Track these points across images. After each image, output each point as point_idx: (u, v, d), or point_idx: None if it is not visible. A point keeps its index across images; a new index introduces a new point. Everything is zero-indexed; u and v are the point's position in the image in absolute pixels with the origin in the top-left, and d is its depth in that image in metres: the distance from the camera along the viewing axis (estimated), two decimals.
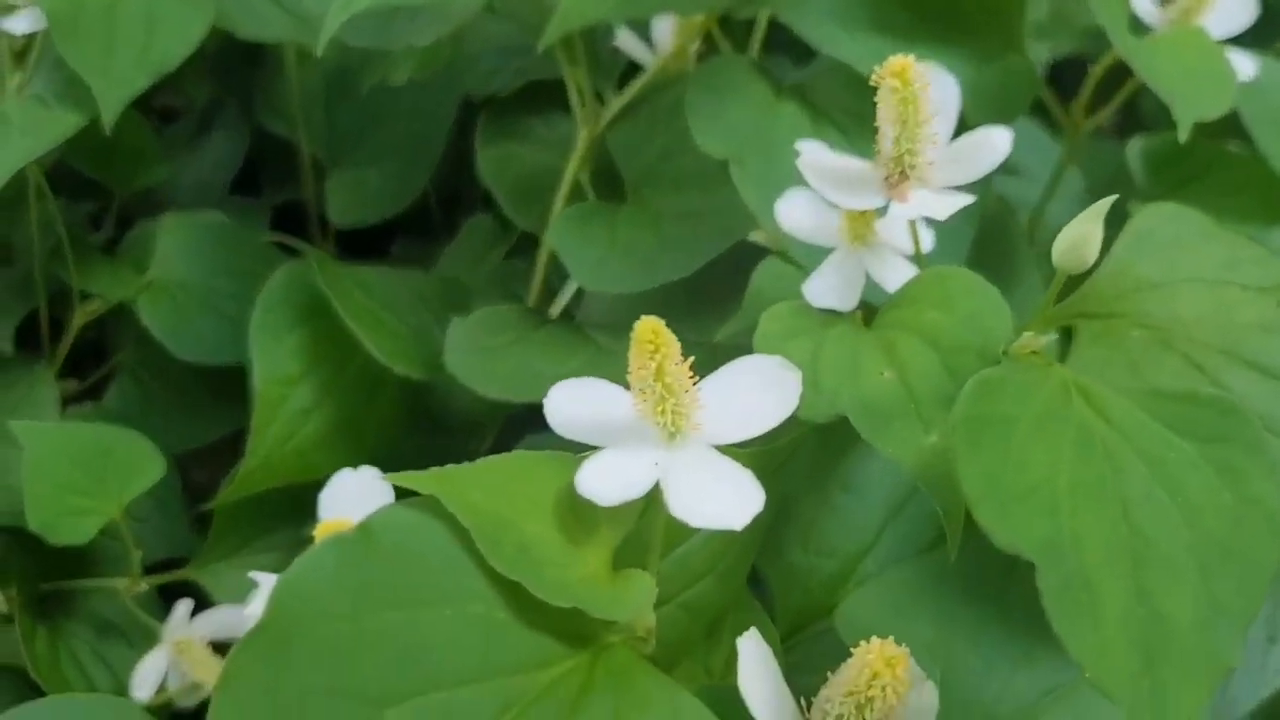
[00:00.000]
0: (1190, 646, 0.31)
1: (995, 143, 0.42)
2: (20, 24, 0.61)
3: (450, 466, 0.33)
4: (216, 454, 0.76)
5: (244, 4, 0.69)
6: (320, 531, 0.36)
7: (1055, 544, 0.31)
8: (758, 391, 0.35)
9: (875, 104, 0.47)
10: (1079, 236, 0.38)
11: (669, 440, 0.34)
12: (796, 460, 0.44)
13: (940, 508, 0.37)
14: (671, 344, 0.33)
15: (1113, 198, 0.39)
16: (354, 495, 0.39)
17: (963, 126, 0.46)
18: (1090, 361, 0.42)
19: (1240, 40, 0.61)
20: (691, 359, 0.34)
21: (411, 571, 0.31)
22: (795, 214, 0.46)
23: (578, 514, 0.34)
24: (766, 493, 0.35)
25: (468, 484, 0.33)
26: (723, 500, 0.32)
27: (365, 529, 0.31)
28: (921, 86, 0.40)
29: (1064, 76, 0.79)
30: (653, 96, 0.62)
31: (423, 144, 0.80)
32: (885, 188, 0.43)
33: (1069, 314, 0.44)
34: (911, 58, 0.40)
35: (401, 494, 0.40)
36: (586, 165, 0.62)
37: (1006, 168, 0.70)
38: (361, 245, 0.88)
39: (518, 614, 0.31)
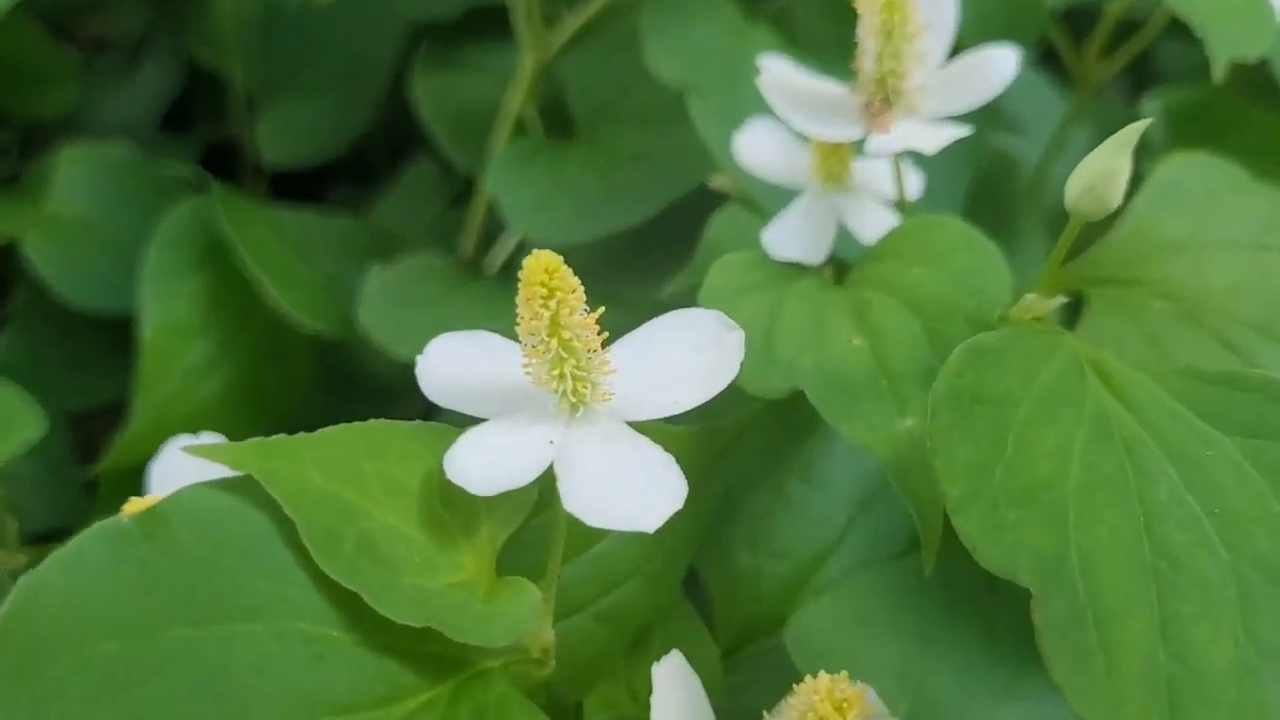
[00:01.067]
0: (1227, 699, 0.24)
1: (997, 64, 0.34)
2: None
3: (280, 436, 0.25)
4: (120, 413, 0.68)
5: None
6: (129, 512, 0.28)
7: (1059, 566, 0.24)
8: (688, 354, 0.28)
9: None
10: (1100, 172, 0.30)
11: (570, 413, 0.27)
12: (745, 442, 0.36)
13: (913, 508, 0.30)
14: (570, 287, 0.25)
15: (1144, 123, 0.31)
16: (195, 470, 0.31)
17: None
18: (1104, 335, 0.35)
19: None
20: (601, 310, 0.27)
21: (215, 574, 0.23)
22: (757, 147, 0.38)
23: (451, 503, 0.27)
24: (709, 481, 0.28)
25: (303, 459, 0.25)
26: (632, 494, 0.25)
27: (155, 516, 0.23)
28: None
29: (1072, 21, 0.72)
30: (610, 21, 0.54)
31: (362, 77, 0.72)
32: (865, 116, 0.35)
33: (1079, 278, 0.37)
34: None
35: None
36: (533, 98, 0.55)
37: (1006, 123, 0.62)
38: (296, 189, 0.80)
39: (358, 634, 0.24)
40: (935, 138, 0.33)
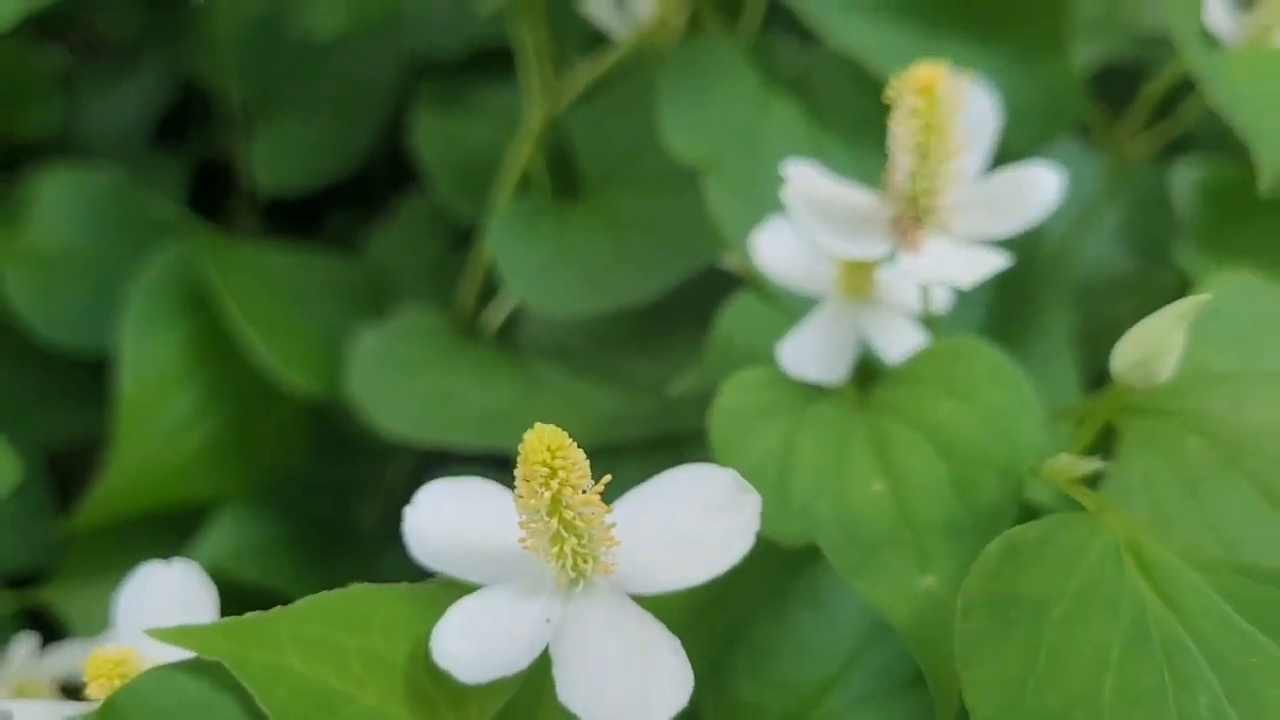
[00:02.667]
0: None
1: (1040, 186, 0.32)
2: None
3: (256, 615, 0.23)
4: (88, 446, 0.66)
5: None
6: (92, 666, 0.26)
7: None
8: (700, 518, 0.26)
9: (889, 109, 0.37)
10: (1154, 347, 0.28)
11: (568, 585, 0.25)
12: (748, 567, 0.34)
13: (930, 679, 0.28)
14: (574, 463, 0.23)
15: (1202, 298, 0.29)
16: (165, 597, 0.29)
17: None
18: (1136, 478, 0.33)
19: None
20: (606, 479, 0.24)
21: None
22: (777, 252, 0.36)
23: (438, 678, 0.24)
24: (711, 611, 0.26)
25: (281, 641, 0.23)
26: (634, 690, 0.23)
27: (112, 711, 0.21)
28: (952, 109, 0.30)
29: (1106, 87, 0.69)
30: (624, 77, 0.51)
31: (364, 101, 0.70)
32: (894, 231, 0.33)
33: (1110, 408, 0.35)
34: (942, 67, 0.30)
35: (236, 599, 0.30)
36: (539, 152, 0.52)
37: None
38: (291, 215, 0.78)
39: None
40: (972, 268, 0.31)
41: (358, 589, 0.25)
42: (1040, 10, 0.46)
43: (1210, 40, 0.49)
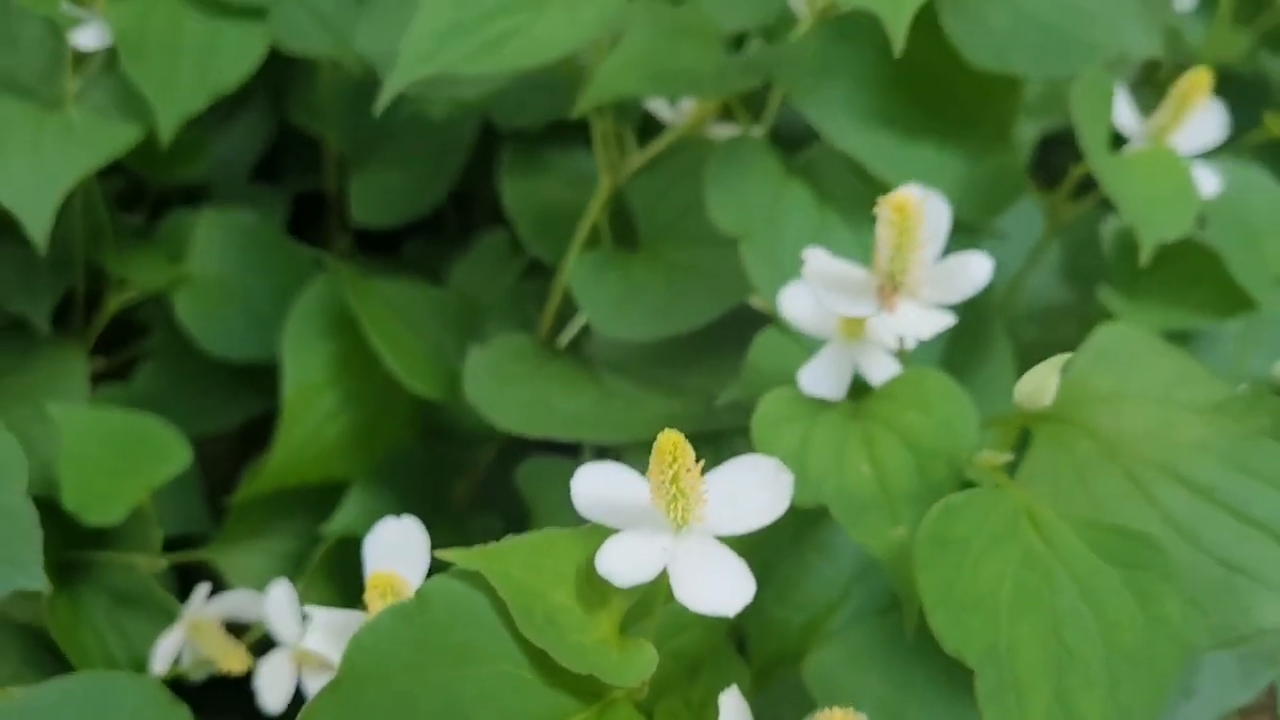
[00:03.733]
0: None
1: (975, 270, 0.48)
2: (89, 39, 0.65)
3: (491, 545, 0.39)
4: (228, 434, 0.81)
5: (290, 21, 0.73)
6: (372, 583, 0.41)
7: (994, 652, 0.37)
8: (755, 490, 0.41)
9: (873, 186, 0.54)
10: (1039, 385, 0.44)
11: (677, 529, 0.40)
12: (779, 526, 0.50)
13: (899, 593, 0.44)
14: (688, 455, 0.38)
15: (1065, 356, 0.45)
16: (396, 543, 0.44)
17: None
18: (1042, 466, 0.48)
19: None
20: (702, 462, 0.40)
21: (458, 634, 0.37)
22: (797, 307, 0.51)
23: (594, 584, 0.40)
24: (756, 550, 0.41)
25: (507, 559, 0.38)
26: (720, 589, 0.39)
27: (422, 597, 0.37)
28: (918, 219, 0.46)
29: (1048, 152, 0.85)
30: (672, 155, 0.67)
31: (445, 153, 0.85)
32: (878, 297, 0.48)
33: (1030, 417, 0.50)
34: (911, 192, 0.46)
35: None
36: (605, 210, 0.68)
37: (992, 232, 0.76)
38: (377, 242, 0.93)
39: (540, 674, 0.37)
40: (929, 324, 0.47)
41: (545, 533, 0.40)
42: (990, 117, 0.62)
43: (1120, 136, 0.65)
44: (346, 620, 0.43)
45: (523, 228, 0.72)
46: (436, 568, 0.40)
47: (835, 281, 0.49)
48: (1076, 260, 0.83)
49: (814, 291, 0.49)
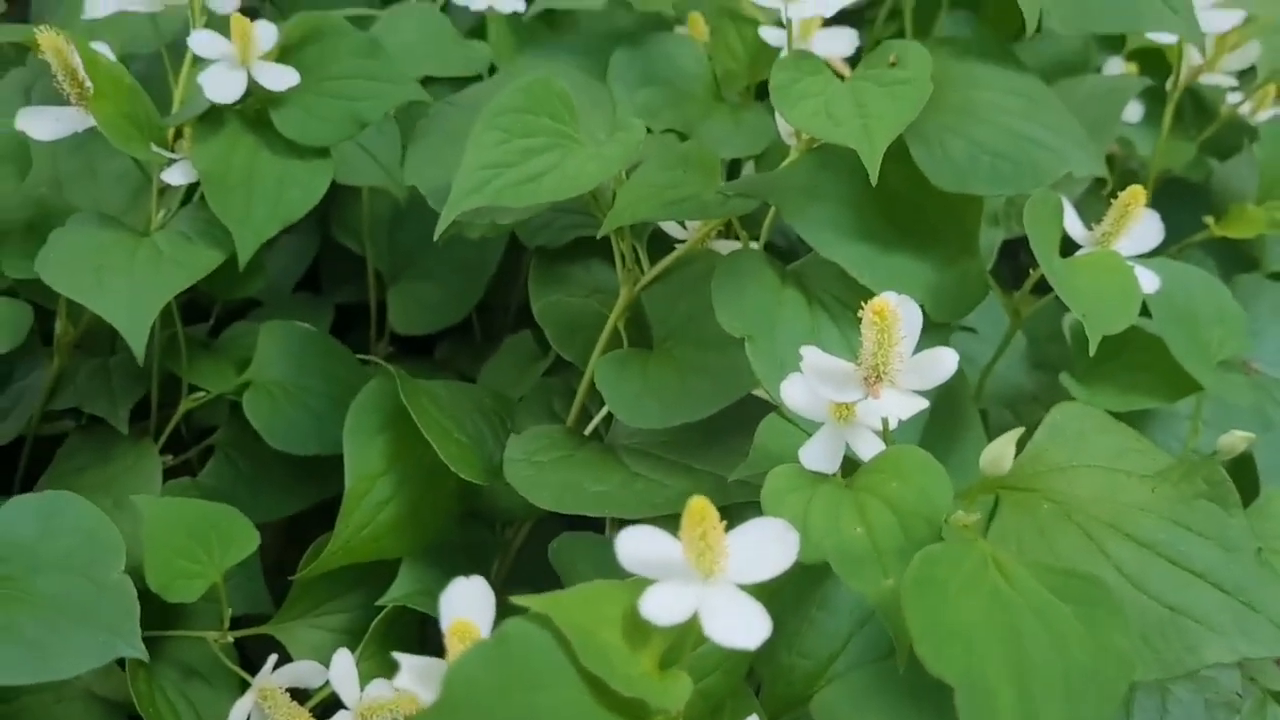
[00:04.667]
0: None
1: (944, 361, 0.57)
2: (176, 177, 0.75)
3: (554, 593, 0.47)
4: (287, 524, 0.90)
5: (346, 157, 0.83)
6: (453, 630, 0.50)
7: (970, 672, 0.46)
8: (769, 545, 0.50)
9: (856, 290, 0.63)
10: (998, 454, 0.53)
11: (704, 579, 0.49)
12: (787, 585, 0.58)
13: (892, 634, 0.52)
14: (713, 516, 0.47)
15: (1020, 430, 0.54)
16: (468, 598, 0.53)
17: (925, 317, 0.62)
18: (1009, 526, 0.57)
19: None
20: (724, 523, 0.48)
21: (533, 666, 0.45)
22: (795, 396, 0.60)
23: (637, 626, 0.48)
24: (768, 602, 0.49)
25: (568, 605, 0.47)
26: (742, 628, 0.47)
27: (502, 636, 0.45)
28: (895, 322, 0.55)
29: (1017, 250, 0.95)
30: (681, 267, 0.76)
31: (476, 268, 0.95)
32: (864, 386, 0.58)
33: (997, 486, 0.59)
34: (889, 300, 0.55)
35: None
36: (623, 316, 0.77)
37: (964, 327, 0.86)
38: (412, 345, 1.03)
39: (598, 698, 0.46)
40: (906, 408, 0.56)
41: (598, 584, 0.49)
42: (955, 230, 0.72)
43: (1071, 242, 0.75)
44: (427, 665, 0.52)
45: (551, 333, 0.81)
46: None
47: (827, 374, 0.58)
48: (1042, 350, 0.93)
49: (809, 383, 0.58)
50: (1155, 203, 1.04)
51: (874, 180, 0.61)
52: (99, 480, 0.83)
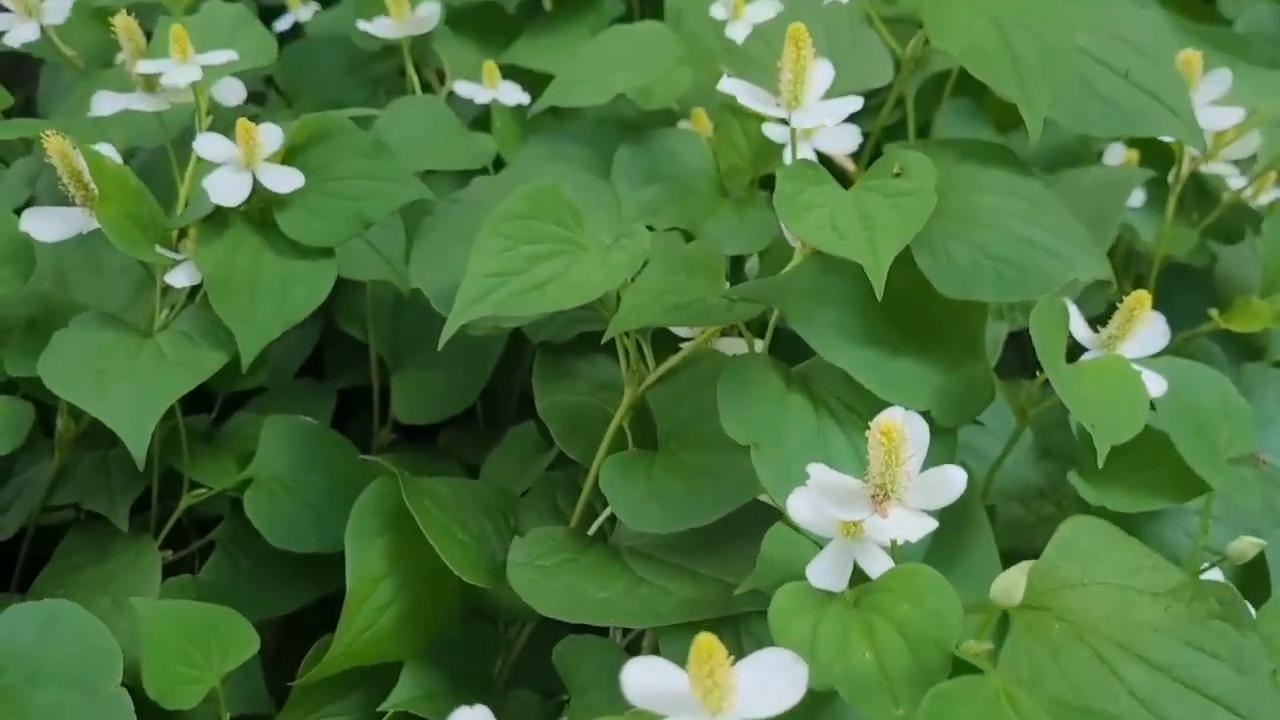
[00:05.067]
0: None
1: (953, 481, 0.56)
2: (179, 279, 0.75)
3: None
4: (286, 622, 0.89)
5: (352, 253, 0.83)
6: None
7: None
8: (775, 679, 0.49)
9: (862, 394, 0.63)
10: (1010, 585, 0.52)
11: (711, 715, 0.48)
12: (797, 709, 0.57)
13: None
14: (720, 654, 0.46)
15: (1030, 563, 0.53)
16: None
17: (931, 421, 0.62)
18: (1021, 648, 0.56)
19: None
20: (731, 657, 0.48)
21: None
22: (803, 510, 0.60)
23: None
24: None
25: None
26: None
27: None
28: (902, 439, 0.55)
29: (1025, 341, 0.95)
30: (686, 367, 0.76)
31: (479, 359, 0.95)
32: (872, 504, 0.57)
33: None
34: (896, 418, 0.55)
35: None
36: (628, 415, 0.77)
37: (974, 423, 0.85)
38: (415, 431, 1.02)
39: None
40: (916, 528, 0.55)
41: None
42: (960, 333, 0.71)
43: (1078, 346, 0.74)
44: None
45: (556, 430, 0.81)
46: None
47: (834, 492, 0.57)
48: (1049, 438, 0.92)
49: (816, 501, 0.58)
50: (1159, 288, 1.04)
51: (879, 296, 0.61)
52: (97, 578, 0.82)
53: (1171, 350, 0.82)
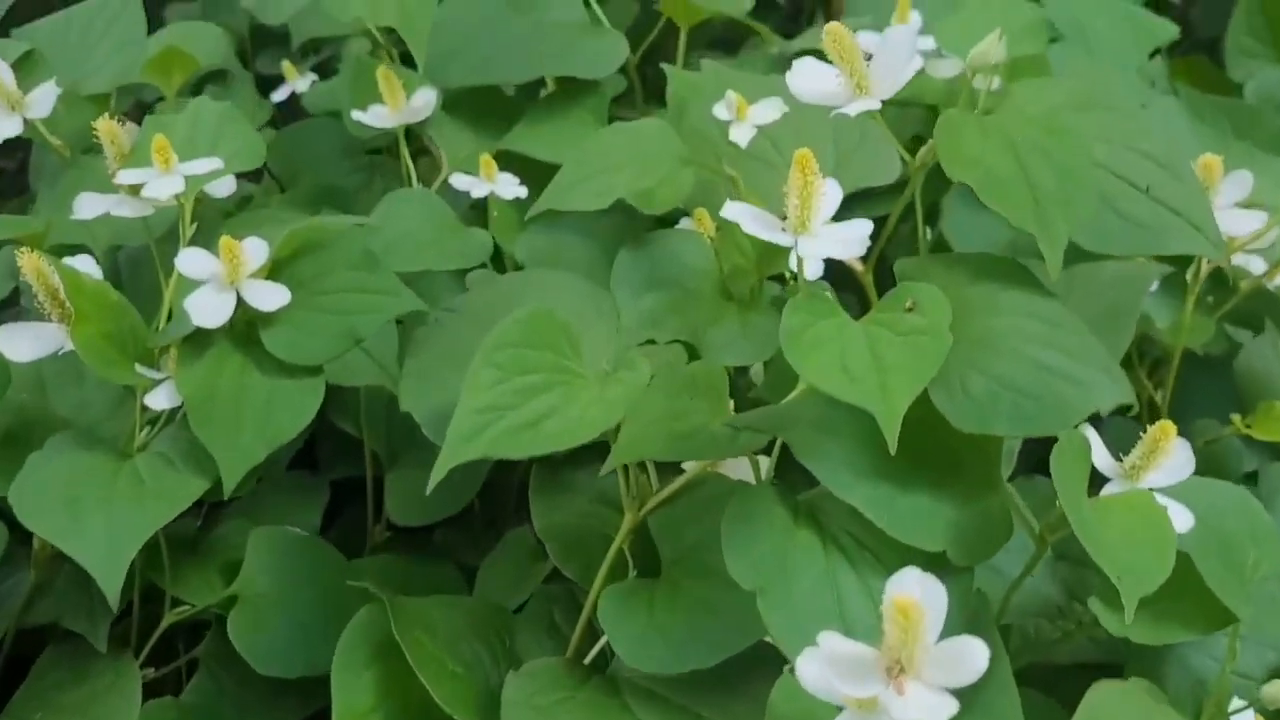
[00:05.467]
0: None
1: (975, 656, 0.53)
2: (159, 400, 0.72)
3: None
4: None
5: (343, 361, 0.80)
6: None
7: None
8: None
9: (877, 530, 0.60)
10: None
11: None
12: None
13: None
14: None
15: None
16: None
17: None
18: None
19: None
20: None
21: None
22: (813, 678, 0.56)
23: None
24: None
25: None
26: None
27: None
28: (919, 618, 0.51)
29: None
30: (689, 490, 0.73)
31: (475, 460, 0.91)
32: (886, 677, 0.54)
33: None
34: (913, 595, 0.52)
35: None
36: (628, 539, 0.73)
37: None
38: (410, 530, 0.99)
39: None
40: (934, 711, 0.52)
41: None
42: (977, 465, 0.68)
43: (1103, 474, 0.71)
44: None
45: (553, 549, 0.77)
46: None
47: (845, 665, 0.54)
48: (1066, 543, 0.89)
49: (828, 673, 0.54)
50: (1179, 379, 1.01)
51: (892, 450, 0.58)
52: (75, 700, 0.79)
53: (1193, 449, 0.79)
